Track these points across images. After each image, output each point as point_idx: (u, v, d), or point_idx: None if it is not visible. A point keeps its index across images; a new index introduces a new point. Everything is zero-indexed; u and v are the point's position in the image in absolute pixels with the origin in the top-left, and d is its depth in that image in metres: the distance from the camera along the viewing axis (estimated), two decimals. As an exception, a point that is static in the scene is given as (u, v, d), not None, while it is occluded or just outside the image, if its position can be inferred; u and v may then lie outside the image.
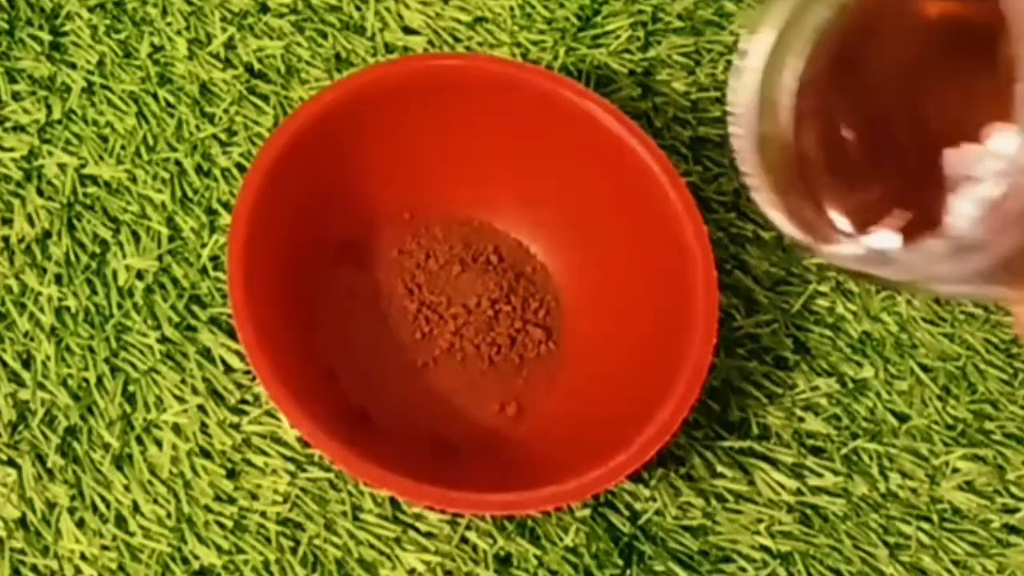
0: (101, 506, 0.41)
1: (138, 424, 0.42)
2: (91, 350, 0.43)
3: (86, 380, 0.43)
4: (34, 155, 0.46)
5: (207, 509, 0.41)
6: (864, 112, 0.31)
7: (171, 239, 0.45)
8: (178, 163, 0.46)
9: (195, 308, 0.44)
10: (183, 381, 0.43)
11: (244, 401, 0.43)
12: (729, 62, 0.50)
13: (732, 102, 0.31)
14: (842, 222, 0.29)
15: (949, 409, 0.46)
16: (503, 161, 0.45)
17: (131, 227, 0.45)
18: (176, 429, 0.42)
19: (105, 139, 0.47)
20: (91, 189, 0.46)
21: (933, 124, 0.30)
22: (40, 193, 0.45)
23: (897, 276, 0.28)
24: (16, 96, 0.47)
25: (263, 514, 0.41)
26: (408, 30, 0.50)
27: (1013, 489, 0.45)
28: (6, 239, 0.45)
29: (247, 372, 0.43)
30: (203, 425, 0.42)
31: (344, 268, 0.45)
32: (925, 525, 0.44)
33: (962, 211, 0.26)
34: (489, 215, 0.46)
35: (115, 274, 0.44)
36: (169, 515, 0.41)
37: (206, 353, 0.43)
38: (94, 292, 0.44)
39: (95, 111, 0.47)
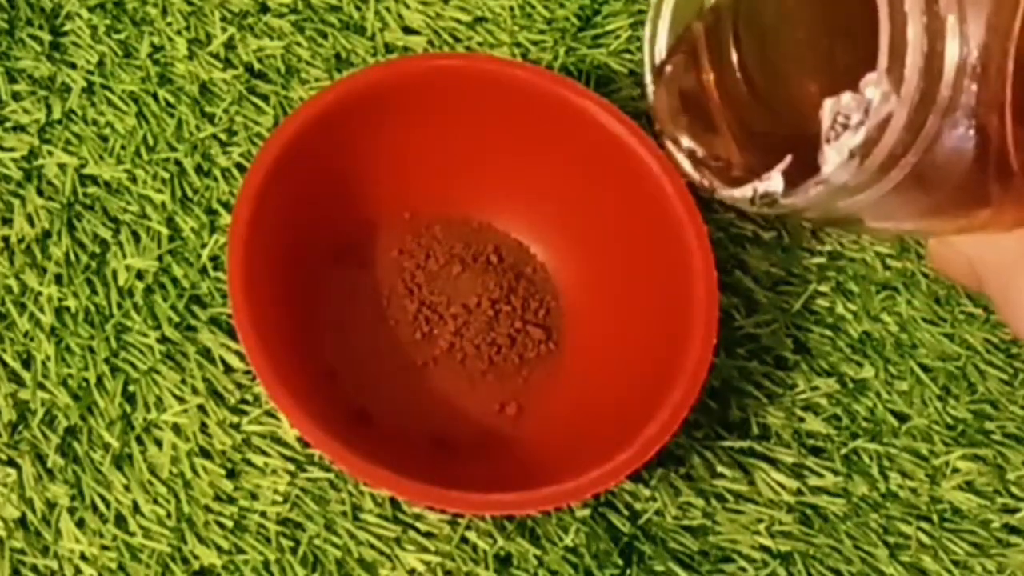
0: (101, 506, 0.41)
1: (138, 424, 0.42)
2: (91, 350, 0.43)
3: (86, 380, 0.43)
4: (34, 155, 0.46)
5: (207, 509, 0.41)
6: (763, 57, 0.32)
7: (171, 239, 0.45)
8: (178, 163, 0.46)
9: (195, 308, 0.44)
10: (183, 381, 0.43)
11: (244, 401, 0.43)
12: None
13: (643, 53, 0.32)
14: (742, 165, 0.30)
15: (949, 409, 0.46)
16: (503, 161, 0.45)
17: (131, 227, 0.45)
18: (176, 429, 0.42)
19: (105, 139, 0.47)
20: (91, 189, 0.46)
21: (827, 69, 0.30)
22: (40, 193, 0.45)
23: (798, 213, 0.29)
24: (16, 96, 0.47)
25: (263, 514, 0.41)
26: (408, 30, 0.50)
27: (1013, 489, 0.45)
28: (6, 239, 0.45)
29: (247, 372, 0.43)
30: (203, 425, 0.42)
31: (344, 268, 0.45)
32: (925, 525, 0.44)
33: (830, 158, 0.27)
34: (489, 215, 0.46)
35: (115, 274, 0.44)
36: (169, 515, 0.41)
37: (206, 353, 0.43)
38: (94, 292, 0.44)
39: (95, 111, 0.47)
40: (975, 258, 0.33)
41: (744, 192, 0.30)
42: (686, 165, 0.31)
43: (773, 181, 0.29)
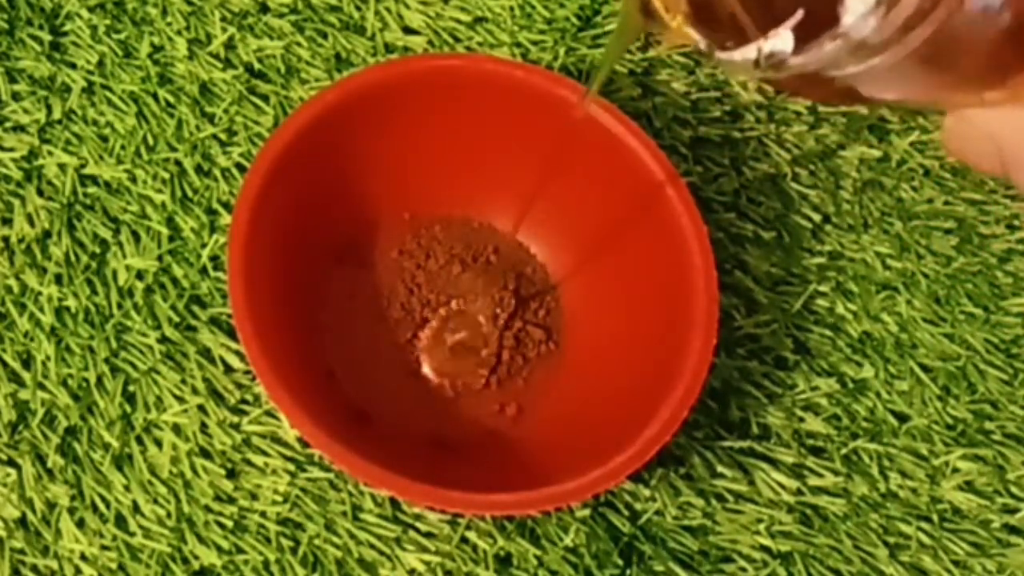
0: (101, 506, 0.41)
1: (138, 424, 0.42)
2: (91, 350, 0.43)
3: (86, 380, 0.43)
4: (34, 155, 0.46)
5: (207, 509, 0.41)
6: None
7: (171, 239, 0.45)
8: (178, 163, 0.46)
9: (195, 308, 0.44)
10: (183, 381, 0.43)
11: (244, 401, 0.43)
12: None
13: None
14: (748, 27, 0.28)
15: (949, 409, 0.46)
16: (503, 161, 0.45)
17: (131, 227, 0.45)
18: (176, 429, 0.42)
19: (105, 139, 0.47)
20: (91, 189, 0.46)
21: None
22: (40, 193, 0.45)
23: (808, 70, 0.27)
24: (16, 96, 0.47)
25: (263, 514, 0.41)
26: (408, 30, 0.50)
27: (1013, 489, 0.45)
28: (6, 239, 0.45)
29: (247, 372, 0.43)
30: (203, 425, 0.42)
31: (344, 268, 0.45)
32: (925, 525, 0.44)
33: (853, 7, 0.25)
34: (489, 215, 0.46)
35: (115, 274, 0.44)
36: (169, 515, 0.41)
37: (206, 353, 0.43)
38: (94, 292, 0.44)
39: (95, 111, 0.47)
40: (1000, 136, 0.29)
41: (747, 53, 0.27)
42: (690, 32, 0.29)
43: (782, 38, 0.26)
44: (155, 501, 0.41)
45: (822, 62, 0.26)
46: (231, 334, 0.43)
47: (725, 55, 0.28)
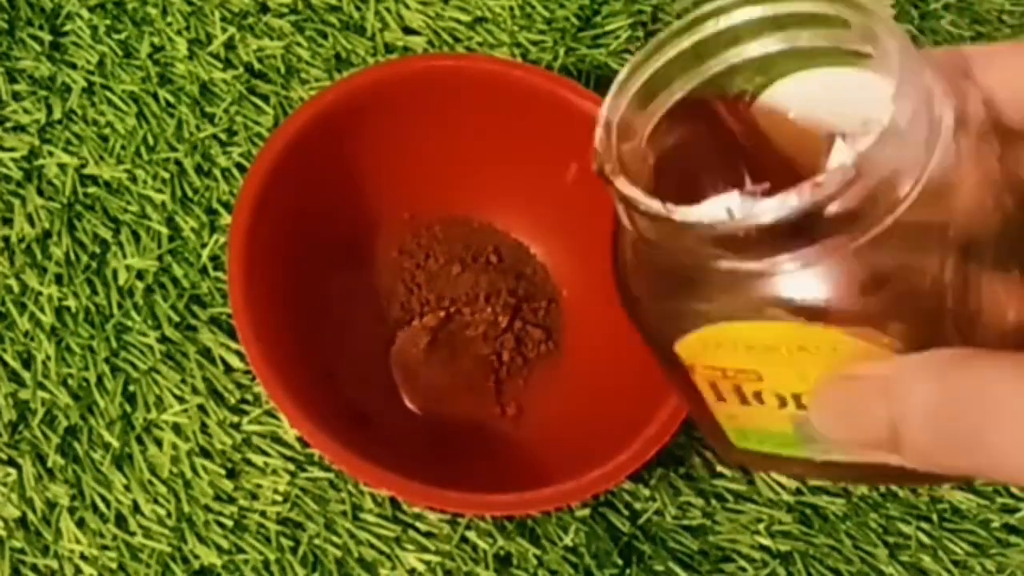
0: (101, 506, 0.41)
1: (138, 424, 0.42)
2: (91, 350, 0.43)
3: (86, 380, 0.43)
4: (34, 155, 0.46)
5: (207, 509, 0.41)
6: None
7: (171, 239, 0.45)
8: (178, 163, 0.46)
9: (195, 308, 0.44)
10: (183, 381, 0.43)
11: (244, 401, 0.43)
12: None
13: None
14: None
15: (949, 409, 0.46)
16: (503, 161, 0.45)
17: (131, 227, 0.45)
18: (176, 429, 0.42)
19: (105, 139, 0.47)
20: (91, 189, 0.46)
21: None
22: (40, 193, 0.45)
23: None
24: (16, 96, 0.47)
25: (263, 514, 0.41)
26: (408, 30, 0.50)
27: (1013, 489, 0.45)
28: (6, 239, 0.45)
29: (247, 372, 0.43)
30: (203, 425, 0.42)
31: (344, 268, 0.45)
32: (925, 525, 0.44)
33: (838, 159, 0.26)
34: (489, 215, 0.46)
35: (115, 274, 0.44)
36: (169, 515, 0.41)
37: (206, 353, 0.43)
38: (94, 292, 0.44)
39: (95, 111, 0.47)
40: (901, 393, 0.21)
41: (714, 205, 0.28)
42: (644, 198, 0.30)
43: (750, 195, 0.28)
44: (155, 501, 0.41)
45: (796, 208, 0.26)
46: (231, 334, 0.43)
47: (691, 209, 0.28)
